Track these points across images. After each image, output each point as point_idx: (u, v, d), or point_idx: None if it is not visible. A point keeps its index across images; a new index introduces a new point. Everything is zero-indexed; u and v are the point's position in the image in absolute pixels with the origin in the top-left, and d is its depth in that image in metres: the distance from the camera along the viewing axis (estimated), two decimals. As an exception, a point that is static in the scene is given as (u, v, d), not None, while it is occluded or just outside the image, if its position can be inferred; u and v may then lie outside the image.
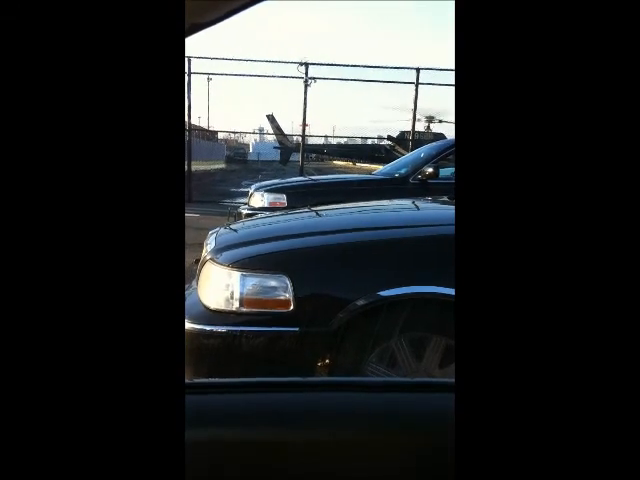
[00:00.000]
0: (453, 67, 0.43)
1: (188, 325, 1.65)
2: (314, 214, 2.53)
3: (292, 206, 4.01)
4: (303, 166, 10.04)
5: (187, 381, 0.73)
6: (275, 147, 19.28)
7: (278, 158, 18.59)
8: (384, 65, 9.75)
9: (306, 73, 9.16)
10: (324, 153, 20.88)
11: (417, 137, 10.59)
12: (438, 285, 1.62)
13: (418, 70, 9.16)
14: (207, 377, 1.67)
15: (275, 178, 6.99)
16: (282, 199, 4.49)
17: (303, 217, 2.50)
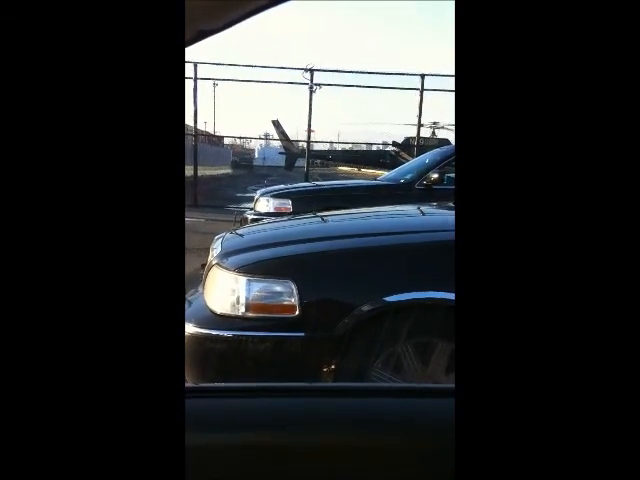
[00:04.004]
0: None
1: (194, 329, 1.66)
2: (319, 219, 2.53)
3: (297, 211, 4.01)
4: (308, 172, 10.04)
5: (187, 385, 0.73)
6: (280, 152, 19.29)
7: (283, 163, 18.59)
8: (388, 72, 9.74)
9: (311, 79, 9.18)
10: (329, 159, 20.87)
11: (422, 143, 10.57)
12: (444, 290, 1.61)
13: (423, 76, 9.18)
14: (212, 381, 1.67)
15: (280, 183, 6.99)
16: (287, 204, 4.49)
17: (308, 222, 2.50)
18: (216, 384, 0.90)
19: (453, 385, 0.47)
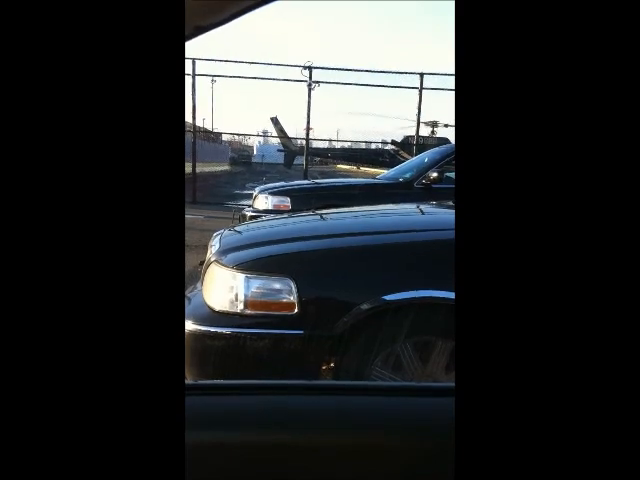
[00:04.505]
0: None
1: (193, 326, 1.65)
2: (318, 217, 2.53)
3: (296, 209, 4.01)
4: (307, 169, 10.05)
5: (187, 383, 0.73)
6: (279, 150, 19.30)
7: (282, 161, 18.61)
8: (388, 70, 9.74)
9: (310, 77, 9.18)
10: (328, 157, 20.90)
11: (421, 142, 10.59)
12: (443, 289, 1.61)
13: (422, 75, 9.19)
14: (211, 378, 1.67)
15: (279, 181, 7.00)
16: (286, 202, 4.49)
17: (307, 220, 2.50)
18: (216, 381, 0.90)
19: (453, 384, 0.47)
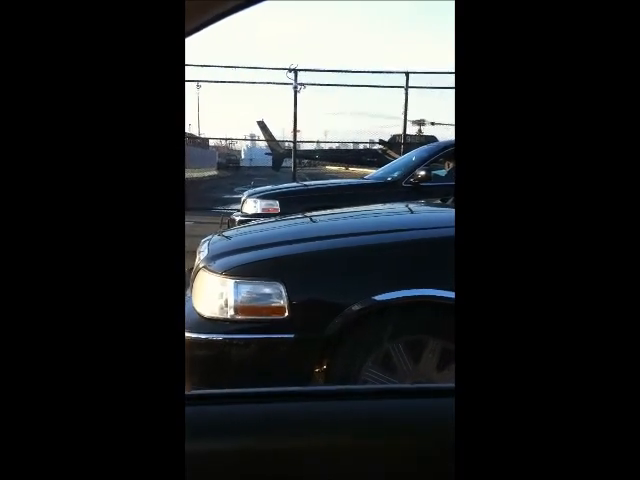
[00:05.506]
0: (443, 70, 0.43)
1: (183, 334, 1.64)
2: (307, 220, 2.53)
3: (285, 212, 4.01)
4: (295, 172, 10.04)
5: (187, 392, 0.73)
6: (267, 153, 19.31)
7: (270, 164, 18.61)
8: (372, 70, 9.77)
9: (295, 79, 9.18)
10: (316, 158, 20.92)
11: (408, 140, 10.64)
12: (433, 288, 1.62)
13: (407, 74, 9.23)
14: (202, 386, 1.66)
15: (268, 184, 7.00)
16: (275, 205, 4.49)
17: (296, 223, 2.50)
18: (213, 390, 0.90)
19: (453, 385, 0.47)
